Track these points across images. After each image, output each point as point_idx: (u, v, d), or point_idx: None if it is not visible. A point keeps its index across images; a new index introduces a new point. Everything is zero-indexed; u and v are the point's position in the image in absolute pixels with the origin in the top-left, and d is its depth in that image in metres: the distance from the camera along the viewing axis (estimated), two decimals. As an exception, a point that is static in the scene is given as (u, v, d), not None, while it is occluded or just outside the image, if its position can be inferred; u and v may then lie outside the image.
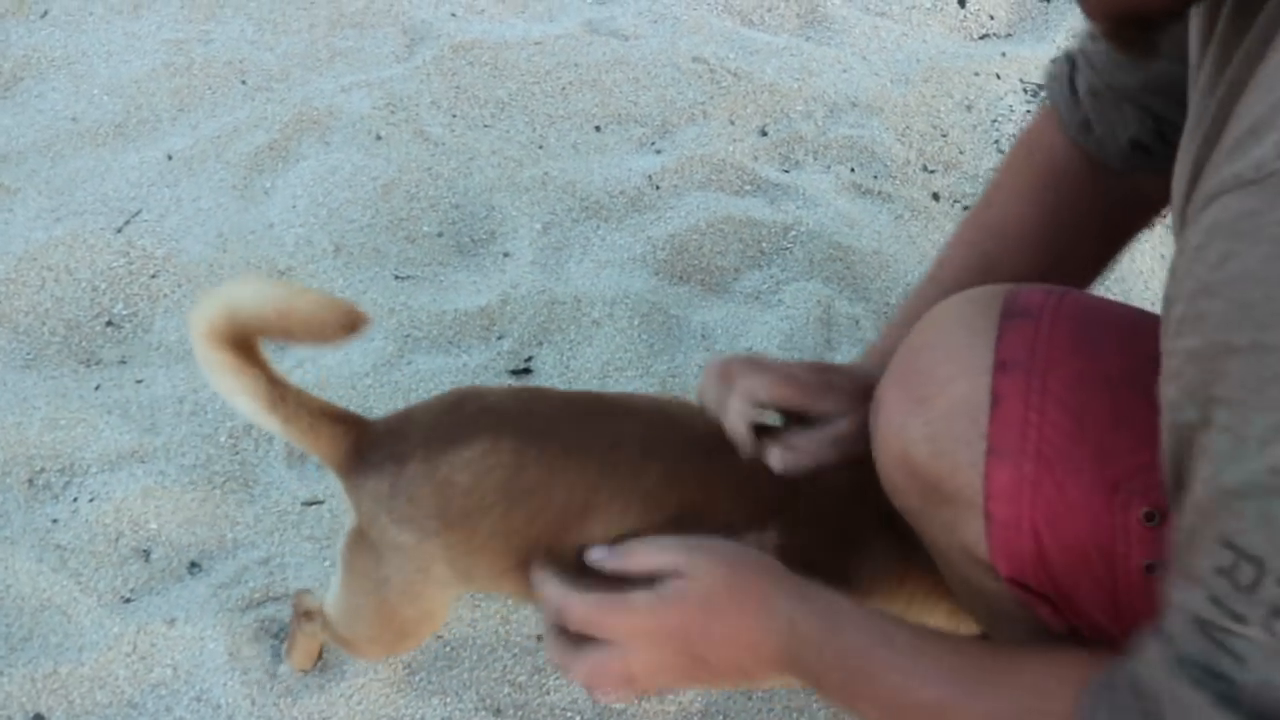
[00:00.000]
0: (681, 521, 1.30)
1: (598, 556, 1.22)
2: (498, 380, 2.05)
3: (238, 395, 1.28)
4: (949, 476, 1.15)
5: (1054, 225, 1.39)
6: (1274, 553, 0.74)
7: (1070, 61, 1.42)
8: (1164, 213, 1.47)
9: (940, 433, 1.15)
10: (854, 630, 1.07)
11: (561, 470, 1.30)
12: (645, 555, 1.19)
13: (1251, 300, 0.72)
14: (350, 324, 1.25)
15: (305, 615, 1.61)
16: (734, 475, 1.33)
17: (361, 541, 1.37)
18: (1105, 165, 1.39)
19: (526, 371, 2.08)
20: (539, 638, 1.75)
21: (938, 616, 1.42)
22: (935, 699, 1.00)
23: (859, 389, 1.29)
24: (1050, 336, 1.13)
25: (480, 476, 1.29)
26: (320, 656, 1.71)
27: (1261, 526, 0.75)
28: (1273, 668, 0.76)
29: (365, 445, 1.34)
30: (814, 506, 1.36)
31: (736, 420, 1.28)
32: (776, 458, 1.27)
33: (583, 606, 1.18)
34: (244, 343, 1.25)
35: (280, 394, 1.30)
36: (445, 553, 1.33)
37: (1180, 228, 0.90)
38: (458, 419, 1.34)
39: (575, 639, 1.19)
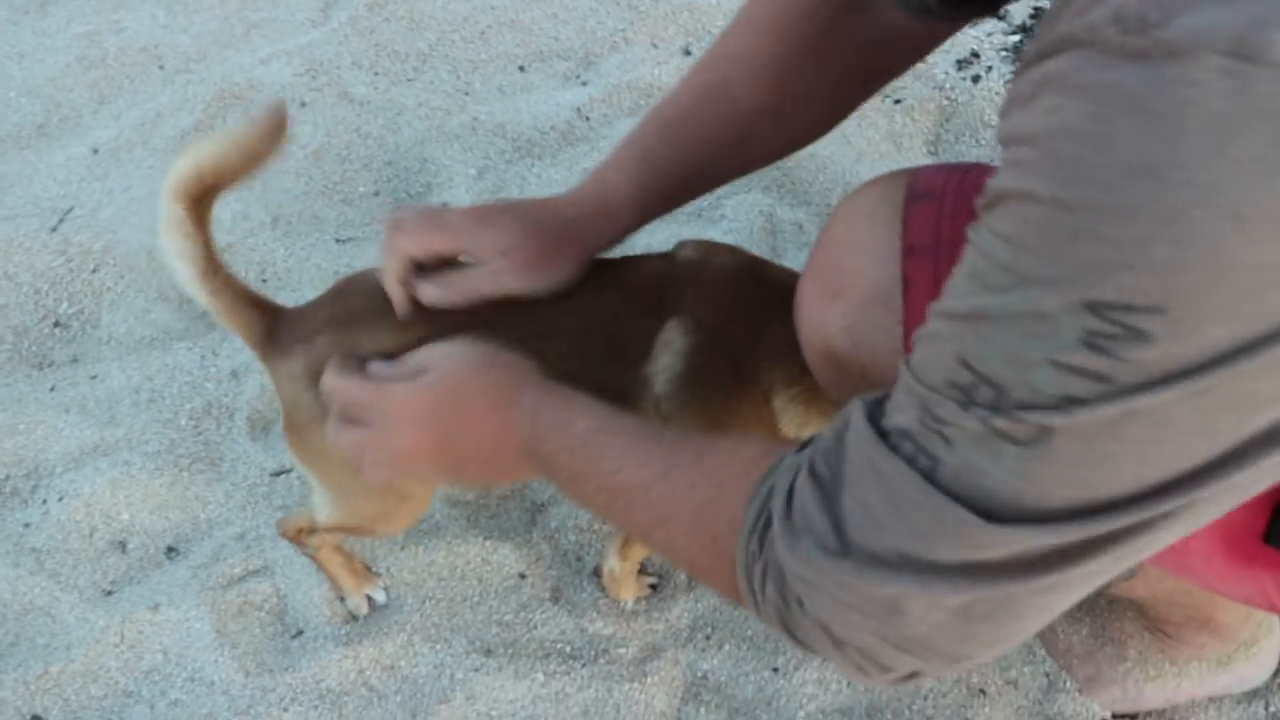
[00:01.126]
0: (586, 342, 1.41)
1: (377, 368, 1.28)
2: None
3: (180, 259, 1.37)
4: (871, 364, 1.17)
5: (794, 59, 1.32)
6: (1016, 384, 0.77)
7: None
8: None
9: (857, 323, 1.17)
10: (584, 420, 1.11)
11: None
12: (414, 358, 1.26)
13: (1064, 156, 0.72)
14: (279, 122, 1.34)
15: (301, 533, 1.65)
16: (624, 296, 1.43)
17: (297, 430, 1.45)
18: (874, 3, 1.32)
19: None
20: (521, 575, 1.76)
21: None
22: (640, 480, 1.04)
23: (523, 223, 1.33)
24: (953, 216, 1.14)
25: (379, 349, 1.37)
26: (364, 570, 1.75)
27: (1006, 360, 0.77)
28: (977, 453, 0.79)
29: (278, 330, 1.44)
30: (706, 310, 1.42)
31: (390, 281, 1.36)
32: (425, 291, 1.34)
33: (352, 388, 1.26)
34: (203, 202, 1.36)
35: (214, 268, 1.40)
36: None
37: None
38: (353, 300, 1.43)
39: (350, 421, 1.27)
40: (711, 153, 1.35)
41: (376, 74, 2.55)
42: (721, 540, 0.97)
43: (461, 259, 1.37)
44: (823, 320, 1.21)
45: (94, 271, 2.17)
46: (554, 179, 2.29)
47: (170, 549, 1.82)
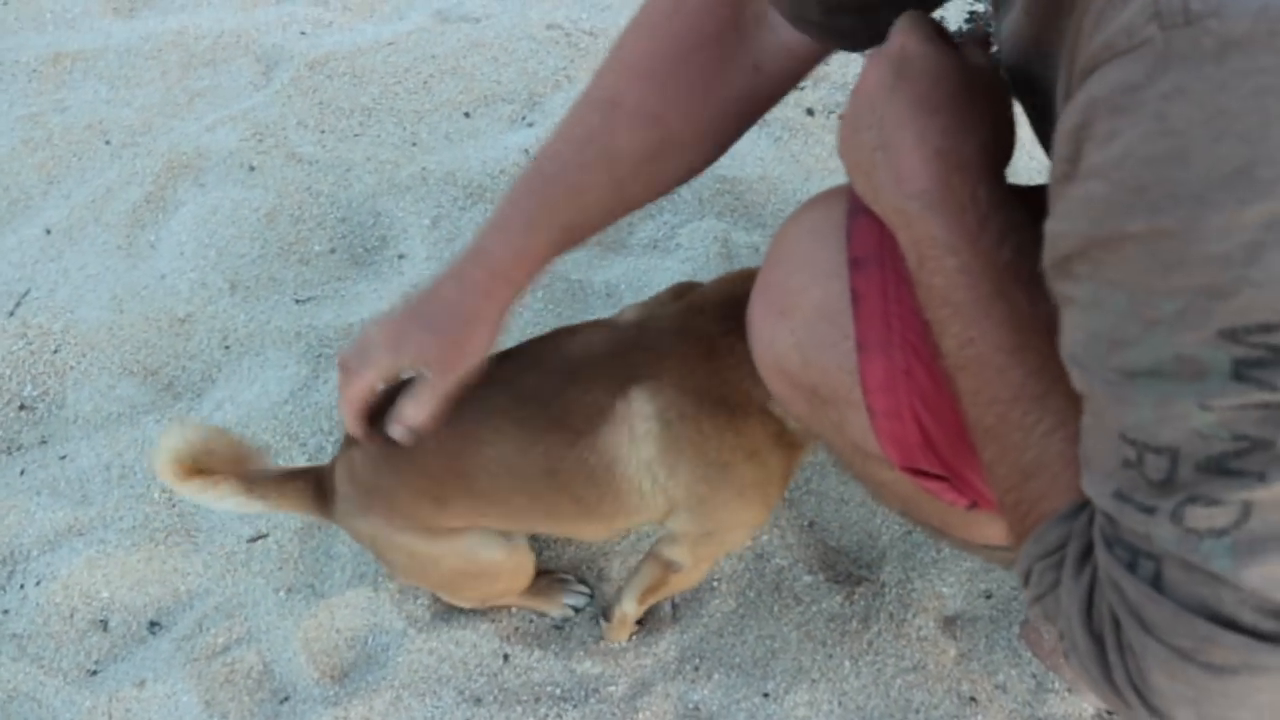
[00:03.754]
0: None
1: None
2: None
3: (221, 502, 1.54)
4: (823, 380, 1.17)
5: (676, 101, 1.29)
6: (1183, 441, 0.72)
7: None
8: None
9: (805, 341, 1.17)
10: (1011, 287, 0.95)
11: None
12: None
13: (1143, 182, 0.68)
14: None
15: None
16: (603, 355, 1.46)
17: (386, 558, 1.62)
18: (764, 23, 1.28)
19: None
20: (505, 620, 1.76)
21: None
22: (995, 415, 0.95)
23: (426, 329, 1.40)
24: None
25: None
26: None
27: (1160, 419, 0.73)
28: (1185, 570, 0.75)
29: (326, 486, 1.59)
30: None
31: (352, 426, 1.48)
32: (394, 433, 1.45)
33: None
34: (202, 471, 1.51)
35: (250, 485, 1.54)
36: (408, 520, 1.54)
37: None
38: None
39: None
40: (592, 202, 1.34)
41: (323, 132, 2.55)
42: (1031, 518, 0.92)
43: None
44: (773, 339, 1.21)
45: (55, 352, 2.16)
46: (508, 222, 2.30)
47: (152, 623, 1.81)
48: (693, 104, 1.29)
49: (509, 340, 2.07)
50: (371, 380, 1.42)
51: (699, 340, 1.42)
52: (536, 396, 1.44)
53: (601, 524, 1.51)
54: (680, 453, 1.41)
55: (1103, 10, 0.70)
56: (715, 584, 1.79)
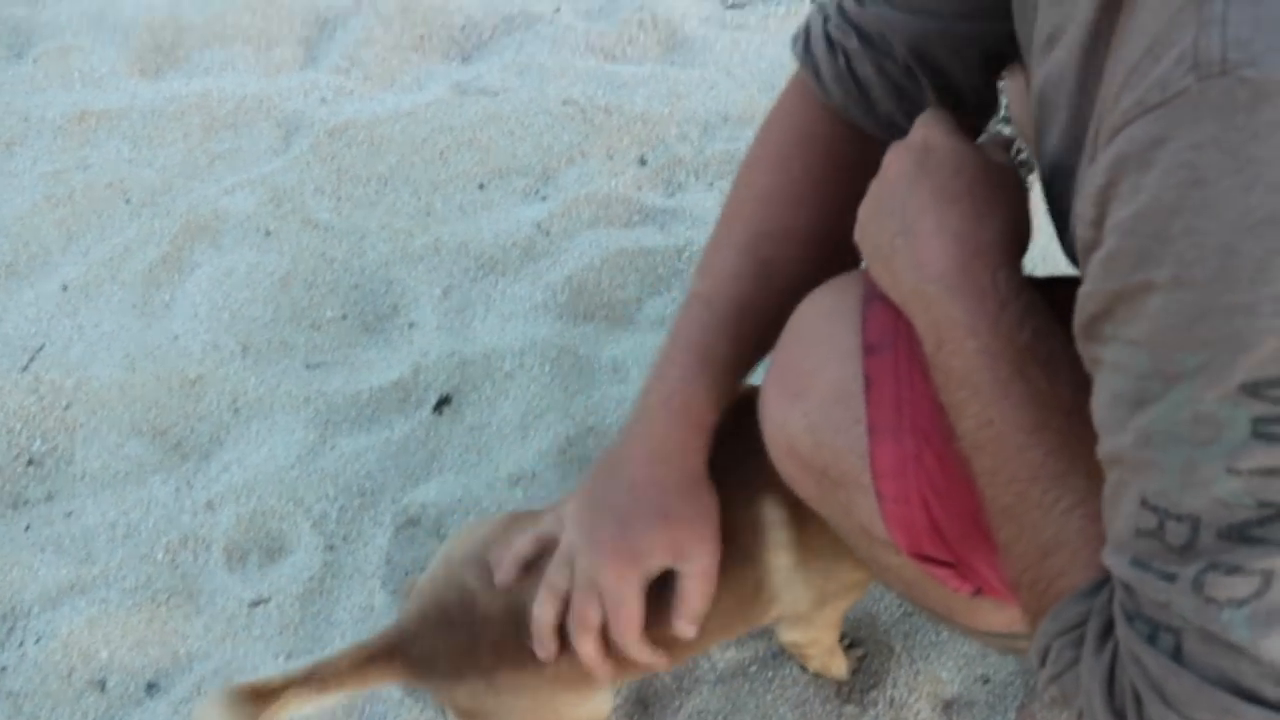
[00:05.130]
0: None
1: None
2: (423, 449, 2.07)
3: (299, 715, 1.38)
4: (834, 463, 1.18)
5: (829, 219, 1.31)
6: (1205, 508, 0.72)
7: (823, 16, 1.33)
8: None
9: (818, 423, 1.18)
10: (1030, 369, 0.96)
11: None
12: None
13: (1168, 233, 0.68)
14: None
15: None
16: None
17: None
18: (870, 135, 1.31)
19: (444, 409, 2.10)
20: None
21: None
22: (1014, 493, 0.96)
23: (674, 527, 1.30)
24: None
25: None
26: None
27: (1184, 484, 0.73)
28: (1205, 642, 0.76)
29: (409, 655, 1.43)
30: None
31: (657, 662, 1.36)
32: (690, 632, 1.34)
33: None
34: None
35: (320, 683, 1.38)
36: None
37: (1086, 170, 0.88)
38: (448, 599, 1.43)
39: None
40: (764, 333, 1.31)
41: (339, 199, 2.59)
42: (1050, 595, 0.92)
43: None
44: (785, 420, 1.22)
45: (66, 408, 2.18)
46: (518, 294, 2.33)
47: (150, 685, 1.82)
48: (847, 215, 1.27)
49: (513, 424, 2.10)
50: (636, 607, 1.32)
51: None
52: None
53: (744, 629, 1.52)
54: (807, 552, 1.40)
55: (1134, 69, 0.71)
56: (713, 661, 1.80)
